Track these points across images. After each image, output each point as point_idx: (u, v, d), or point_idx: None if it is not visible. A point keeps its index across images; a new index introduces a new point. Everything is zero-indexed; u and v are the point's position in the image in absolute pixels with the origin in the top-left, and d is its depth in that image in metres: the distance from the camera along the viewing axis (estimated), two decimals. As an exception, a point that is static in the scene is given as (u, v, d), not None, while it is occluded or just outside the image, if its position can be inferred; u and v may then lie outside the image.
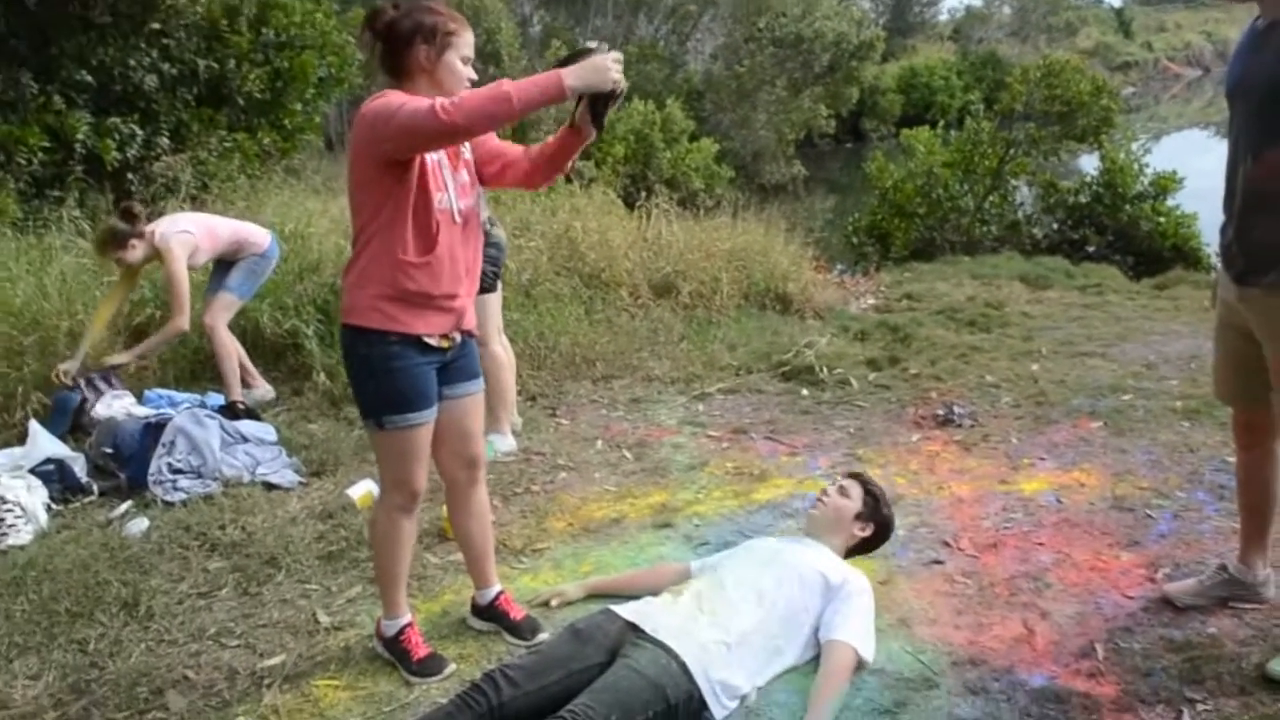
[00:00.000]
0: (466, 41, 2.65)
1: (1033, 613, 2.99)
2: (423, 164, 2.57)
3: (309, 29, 9.61)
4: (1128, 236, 10.41)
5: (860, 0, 33.03)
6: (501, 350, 4.53)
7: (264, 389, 5.29)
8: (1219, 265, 2.79)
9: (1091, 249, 10.51)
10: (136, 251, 4.90)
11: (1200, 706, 2.50)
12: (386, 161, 2.53)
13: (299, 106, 9.81)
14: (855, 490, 3.13)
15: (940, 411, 4.79)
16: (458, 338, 2.77)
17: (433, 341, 2.67)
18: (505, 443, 4.53)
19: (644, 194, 9.23)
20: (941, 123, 13.04)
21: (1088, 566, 3.26)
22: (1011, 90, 11.72)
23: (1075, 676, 2.67)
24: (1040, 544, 3.43)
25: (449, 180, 2.66)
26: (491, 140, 2.83)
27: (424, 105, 2.40)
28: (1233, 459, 3.89)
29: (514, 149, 2.85)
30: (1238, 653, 2.70)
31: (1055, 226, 11.08)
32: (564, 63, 2.48)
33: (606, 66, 2.43)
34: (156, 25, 8.29)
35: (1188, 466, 4.00)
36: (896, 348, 6.05)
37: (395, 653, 2.89)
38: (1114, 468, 4.04)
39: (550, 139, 2.74)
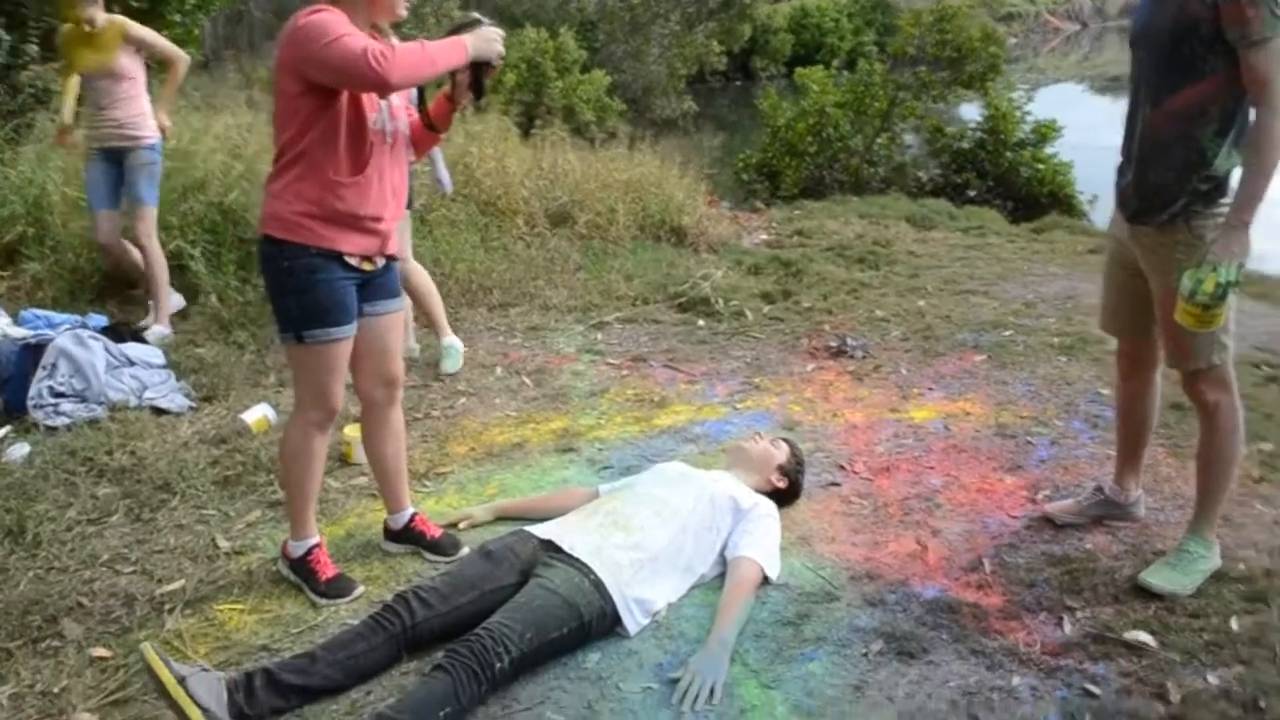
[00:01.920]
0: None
1: (924, 531, 3.14)
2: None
3: (187, -66, 9.12)
4: (1008, 182, 10.77)
5: (754, -63, 32.89)
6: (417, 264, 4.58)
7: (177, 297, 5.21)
8: (1115, 205, 2.91)
9: (973, 193, 10.84)
10: (99, 16, 4.82)
11: (1079, 614, 2.68)
12: (313, 81, 2.46)
13: (178, 19, 9.32)
14: (784, 446, 3.29)
15: (833, 343, 4.92)
16: (380, 261, 2.73)
17: (354, 262, 2.64)
18: (457, 344, 4.66)
19: (538, 123, 9.12)
20: (835, 63, 13.17)
21: (974, 489, 3.42)
22: (904, 33, 11.91)
23: (965, 588, 2.82)
24: (930, 468, 3.58)
25: (382, 101, 2.60)
26: None
27: (357, 48, 2.34)
28: (1105, 391, 4.15)
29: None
30: (1112, 566, 2.89)
31: (940, 170, 11.36)
32: (453, 32, 2.59)
33: (494, 38, 2.61)
34: (22, -78, 7.76)
35: (1064, 397, 4.21)
36: (789, 282, 6.16)
37: (302, 573, 2.86)
38: (997, 398, 4.22)
39: (429, 106, 2.79)
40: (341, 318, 2.65)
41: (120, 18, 4.95)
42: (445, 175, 4.65)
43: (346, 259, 2.62)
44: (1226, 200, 2.56)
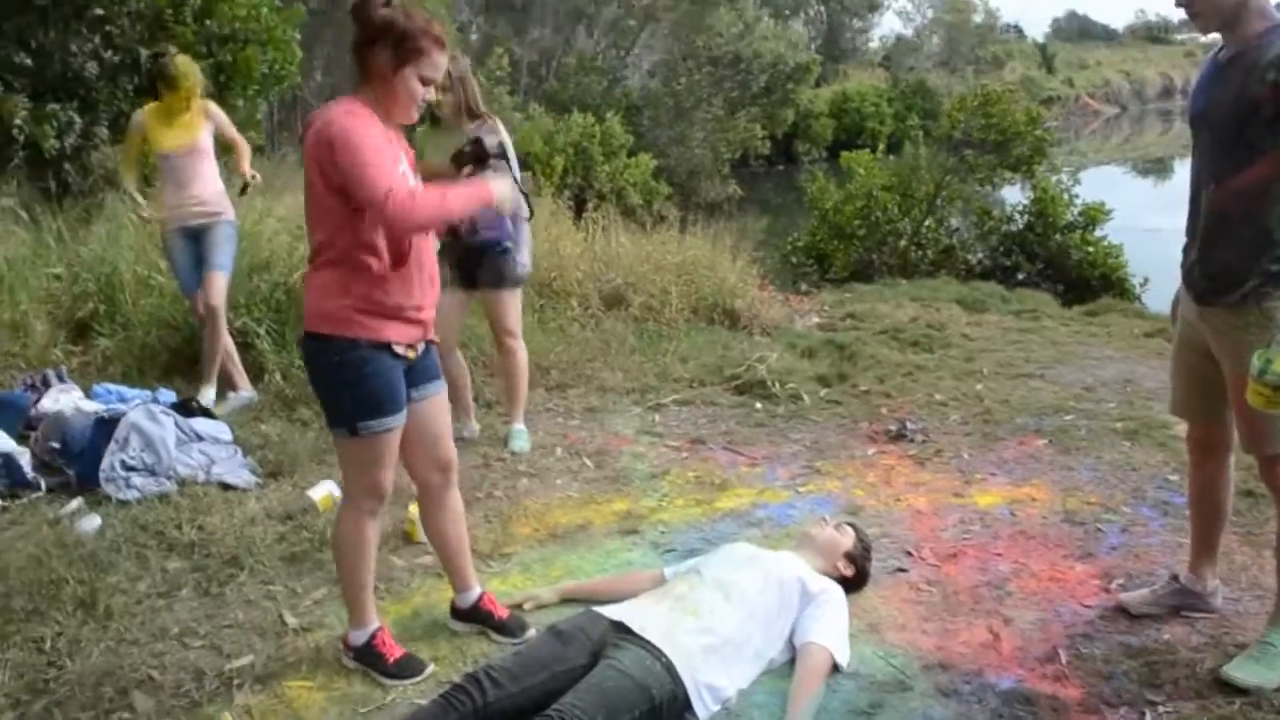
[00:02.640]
0: (434, 62, 2.61)
1: (996, 619, 3.09)
2: None
3: (253, 23, 9.44)
4: (1058, 265, 10.75)
5: (795, 24, 33.58)
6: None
7: (248, 391, 5.26)
8: (1181, 285, 2.91)
9: (1023, 275, 10.83)
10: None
11: (1161, 708, 2.61)
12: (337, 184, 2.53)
13: (240, 103, 9.62)
14: (850, 533, 3.27)
15: (892, 427, 4.90)
16: (422, 347, 2.77)
17: (400, 350, 2.67)
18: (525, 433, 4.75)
19: (589, 206, 9.27)
20: (882, 147, 13.32)
21: (1045, 576, 3.37)
22: (950, 117, 12.03)
23: (1041, 679, 2.76)
24: (998, 554, 3.53)
25: (417, 189, 2.66)
26: None
27: (381, 188, 2.42)
28: (1174, 477, 4.09)
29: None
30: (1192, 658, 2.82)
31: (988, 253, 11.38)
32: (464, 154, 2.94)
33: (507, 189, 2.77)
34: (99, 11, 8.08)
35: (1131, 483, 4.15)
36: (844, 365, 6.16)
37: (369, 659, 2.85)
38: (1062, 483, 4.17)
39: None
40: (394, 407, 2.68)
41: (201, 99, 5.13)
42: (526, 260, 4.72)
43: (394, 348, 2.65)
44: None
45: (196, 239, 5.08)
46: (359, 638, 2.87)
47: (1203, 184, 2.70)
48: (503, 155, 2.93)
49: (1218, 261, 2.67)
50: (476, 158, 2.90)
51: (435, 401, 2.87)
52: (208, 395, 5.03)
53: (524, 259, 4.62)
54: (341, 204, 2.53)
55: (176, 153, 4.99)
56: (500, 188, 2.72)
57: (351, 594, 2.88)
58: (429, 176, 4.33)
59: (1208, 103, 2.69)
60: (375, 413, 2.65)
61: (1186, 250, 2.81)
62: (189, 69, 5.04)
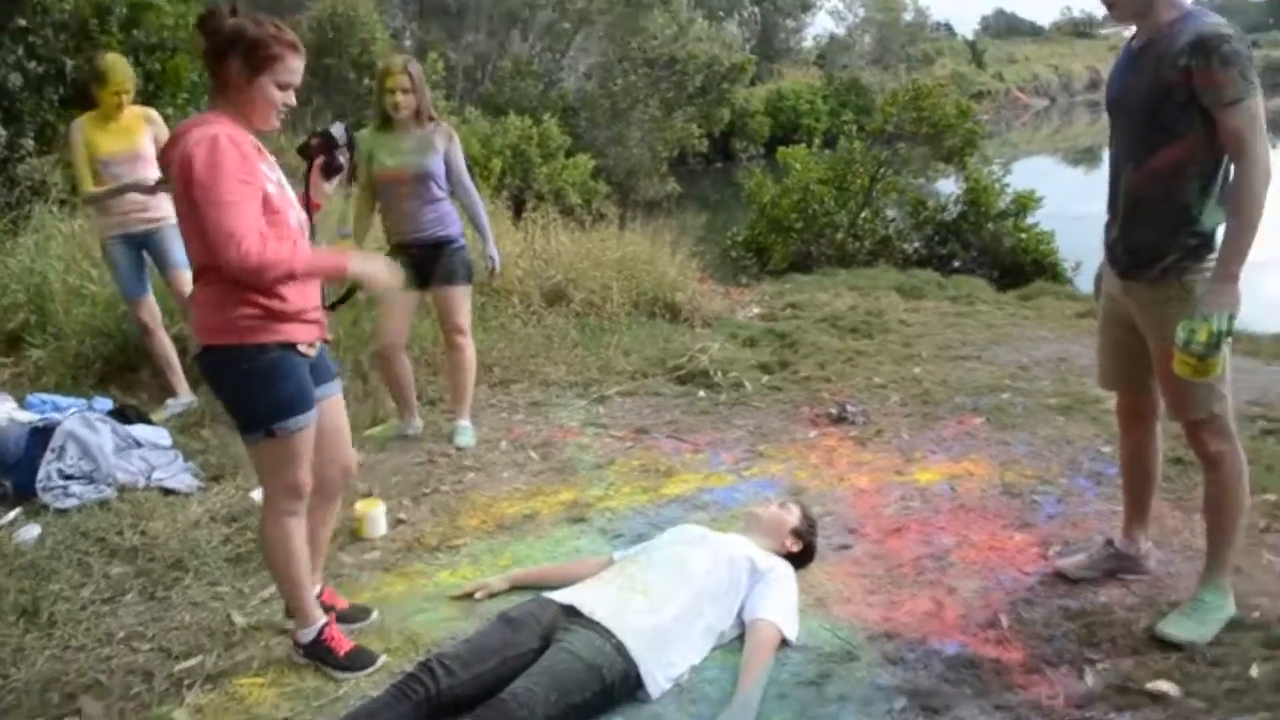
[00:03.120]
0: (291, 67, 2.57)
1: (939, 589, 3.16)
2: (267, 197, 2.55)
3: (182, 32, 9.31)
4: (991, 251, 10.95)
5: (730, 25, 33.79)
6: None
7: (188, 396, 5.20)
8: (1103, 261, 3.01)
9: (959, 263, 11.01)
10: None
11: (1100, 666, 2.70)
12: None
13: (170, 111, 9.47)
14: (795, 510, 3.31)
15: (833, 410, 4.97)
16: (319, 346, 2.79)
17: (304, 350, 2.68)
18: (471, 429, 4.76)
19: (528, 206, 9.26)
20: (817, 142, 13.47)
21: (985, 546, 3.45)
22: (882, 111, 12.20)
23: (984, 644, 2.84)
24: (940, 528, 3.61)
25: (292, 196, 2.69)
26: None
27: (236, 233, 2.40)
28: (1106, 449, 4.21)
29: None
30: (1128, 618, 2.92)
31: (924, 242, 11.55)
32: (311, 147, 2.83)
33: (377, 271, 2.76)
34: (22, 22, 7.93)
35: (1066, 456, 4.26)
36: (785, 353, 6.24)
37: (319, 655, 2.84)
38: (1000, 458, 4.27)
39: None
40: (307, 404, 2.69)
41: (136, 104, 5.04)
42: (495, 252, 4.74)
43: (299, 347, 2.66)
44: (1214, 255, 2.65)
45: (140, 245, 4.99)
46: (306, 635, 2.85)
47: (1122, 166, 2.80)
48: (350, 146, 2.88)
49: (1138, 238, 2.77)
50: (324, 148, 2.85)
51: (335, 401, 2.92)
52: (184, 402, 5.07)
53: (495, 255, 4.68)
54: None
55: (116, 159, 4.85)
56: (371, 267, 2.75)
57: (290, 594, 2.86)
58: (386, 179, 4.36)
59: (1123, 89, 2.79)
60: (290, 411, 2.64)
61: (1109, 228, 2.92)
62: (117, 63, 4.94)
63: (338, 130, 2.84)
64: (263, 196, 2.53)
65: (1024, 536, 3.52)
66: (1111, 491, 3.77)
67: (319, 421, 2.77)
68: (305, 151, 2.85)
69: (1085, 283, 9.65)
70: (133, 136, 4.89)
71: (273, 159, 2.68)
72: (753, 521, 3.30)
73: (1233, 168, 2.60)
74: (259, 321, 2.56)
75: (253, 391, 2.62)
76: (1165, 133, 2.64)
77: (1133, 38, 2.81)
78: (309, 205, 2.83)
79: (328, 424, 2.84)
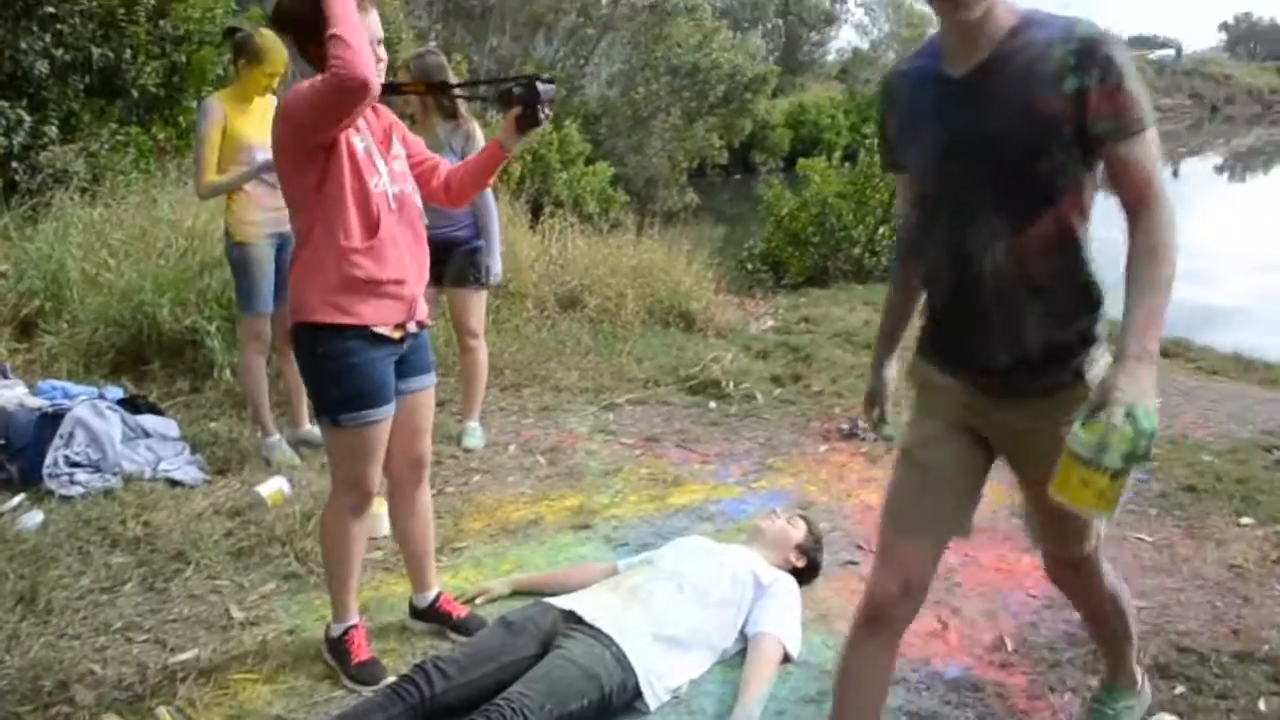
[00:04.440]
0: (368, 21, 2.53)
1: (945, 609, 3.12)
2: (351, 150, 2.54)
3: (208, 24, 9.32)
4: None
5: (753, 36, 33.81)
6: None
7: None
8: (924, 364, 2.21)
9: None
10: None
11: (1104, 694, 2.65)
12: (310, 149, 2.50)
13: (195, 104, 9.50)
14: (802, 525, 3.28)
15: (845, 425, 4.94)
16: (412, 327, 2.70)
17: (385, 332, 2.61)
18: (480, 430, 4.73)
19: (545, 211, 9.26)
20: (838, 156, 13.43)
21: (992, 568, 3.41)
22: (903, 127, 12.16)
23: (989, 667, 2.80)
24: (947, 548, 3.56)
25: (381, 165, 2.63)
26: (416, 146, 2.85)
27: (321, 82, 2.40)
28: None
29: (435, 158, 2.87)
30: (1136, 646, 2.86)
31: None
32: (513, 94, 2.66)
33: None
34: (50, 9, 7.95)
35: (1078, 480, 4.20)
36: (798, 366, 6.20)
37: (336, 654, 2.81)
38: (1010, 479, 4.20)
39: (472, 157, 2.84)
40: (380, 399, 2.63)
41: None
42: (497, 265, 4.63)
43: (377, 332, 2.60)
44: (1102, 333, 2.02)
45: (280, 250, 4.33)
46: (335, 630, 2.84)
47: (970, 249, 1.96)
48: (550, 103, 2.75)
49: (1035, 344, 1.97)
50: (528, 99, 2.72)
51: (422, 396, 2.82)
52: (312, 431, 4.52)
53: (496, 268, 4.60)
54: (310, 178, 2.52)
55: (264, 147, 3.84)
56: None
57: (333, 588, 2.84)
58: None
59: (955, 137, 1.94)
60: (358, 404, 2.59)
61: (964, 343, 2.06)
62: (277, 43, 4.15)
63: (546, 88, 2.70)
64: (349, 151, 2.53)
65: (1032, 559, 3.46)
66: (1121, 518, 3.72)
67: (402, 417, 2.72)
68: (506, 98, 2.74)
69: (1108, 307, 9.60)
70: (269, 125, 4.51)
71: (365, 126, 2.64)
72: (758, 535, 3.26)
73: (1134, 218, 1.85)
74: (331, 296, 2.53)
75: (322, 378, 2.62)
76: (1049, 187, 1.88)
77: (927, 58, 2.03)
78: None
79: (408, 420, 2.78)
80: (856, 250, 11.32)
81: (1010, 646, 2.89)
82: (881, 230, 11.48)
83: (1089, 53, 1.81)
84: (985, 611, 3.11)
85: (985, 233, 1.93)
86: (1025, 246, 1.91)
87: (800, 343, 6.82)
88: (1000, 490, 4.03)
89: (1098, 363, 1.99)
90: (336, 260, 2.54)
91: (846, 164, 13.32)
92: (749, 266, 11.96)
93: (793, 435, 4.91)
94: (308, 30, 2.50)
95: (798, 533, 3.25)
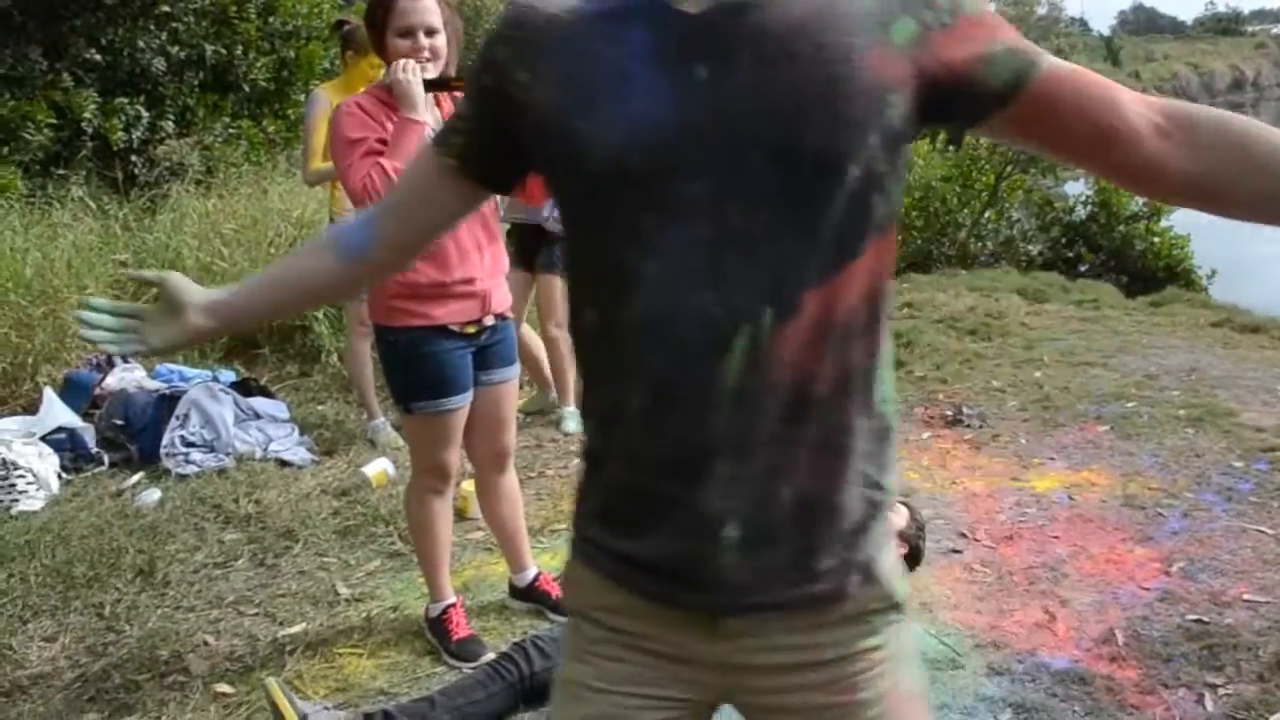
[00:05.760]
0: (401, 10, 2.52)
1: (1052, 600, 3.03)
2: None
3: (315, 19, 9.58)
4: (1121, 255, 10.53)
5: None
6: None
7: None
8: (625, 586, 1.16)
9: (1085, 267, 10.63)
10: None
11: (1221, 690, 2.54)
12: None
13: (303, 97, 9.77)
14: (904, 511, 3.18)
15: (949, 412, 4.83)
16: (489, 321, 2.69)
17: (457, 328, 2.62)
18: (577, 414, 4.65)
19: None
20: (942, 137, 13.15)
21: (1103, 559, 3.30)
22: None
23: (1098, 660, 2.70)
24: (1055, 537, 3.46)
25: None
26: None
27: (356, 180, 2.43)
28: (1238, 464, 3.99)
29: None
30: (1254, 642, 2.74)
31: (1050, 244, 11.18)
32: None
33: (407, 80, 2.48)
34: (166, 8, 8.26)
35: (1194, 469, 4.03)
36: (901, 352, 6.07)
37: (437, 633, 2.86)
38: (1123, 469, 4.07)
39: None
40: (449, 389, 2.63)
41: None
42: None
43: (450, 329, 2.60)
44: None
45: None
46: (434, 610, 2.89)
47: (714, 326, 1.03)
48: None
49: (796, 507, 1.08)
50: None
51: (502, 389, 2.81)
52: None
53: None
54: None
55: None
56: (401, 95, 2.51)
57: (425, 569, 2.90)
58: None
59: (694, 121, 1.02)
60: (427, 394, 2.62)
61: (662, 511, 1.10)
62: None
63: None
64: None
65: (1145, 551, 3.35)
66: (1242, 509, 3.58)
67: (478, 407, 2.73)
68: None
69: (1220, 291, 9.22)
70: None
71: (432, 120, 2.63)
72: None
73: (1147, 136, 1.08)
74: (397, 301, 2.56)
75: (392, 368, 2.69)
76: (859, 218, 1.04)
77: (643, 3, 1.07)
78: None
79: (490, 411, 2.79)
80: (961, 234, 11.08)
81: (1120, 640, 2.79)
82: (988, 214, 11.23)
83: None
84: (1095, 603, 3.00)
85: (736, 299, 1.03)
86: (809, 324, 1.04)
87: (903, 328, 6.67)
88: (1112, 480, 3.93)
89: (886, 552, 1.15)
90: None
91: (950, 147, 13.04)
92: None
93: (896, 421, 4.81)
94: (371, 31, 2.60)
95: (899, 520, 3.18)
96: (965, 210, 11.26)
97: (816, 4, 1.03)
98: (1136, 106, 1.09)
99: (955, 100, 1.07)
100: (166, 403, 4.22)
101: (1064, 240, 11.07)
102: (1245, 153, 1.07)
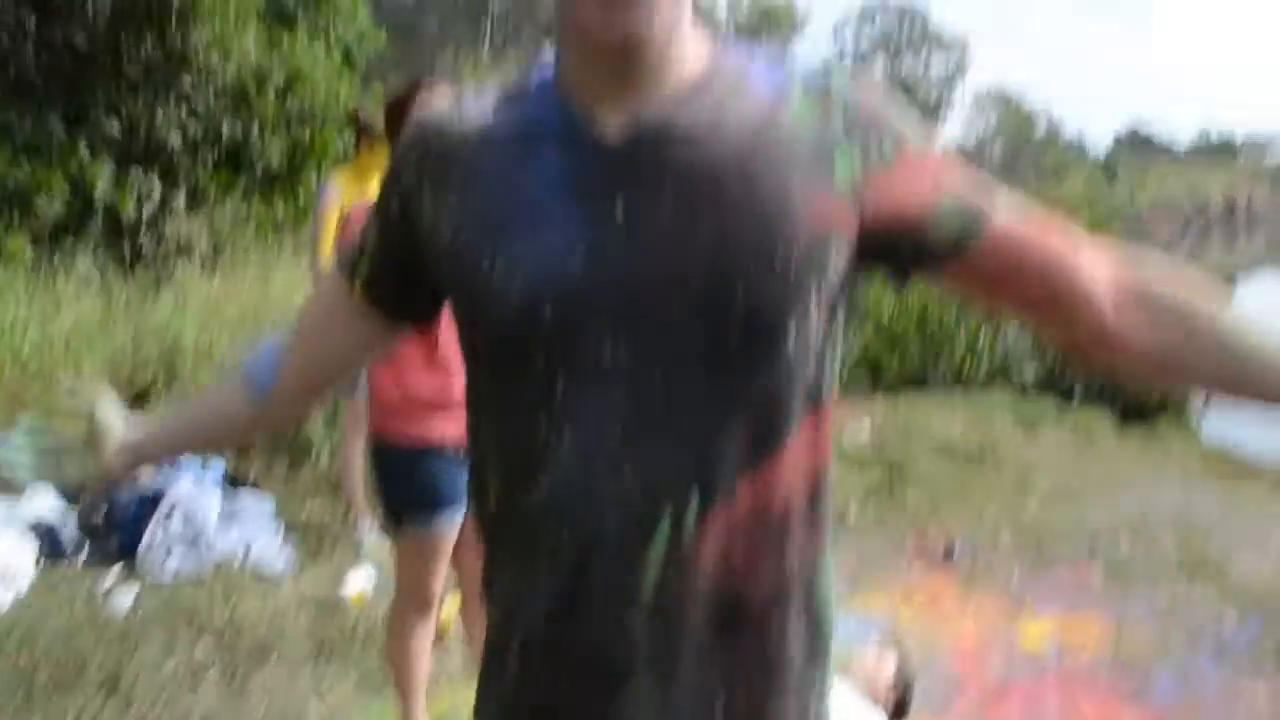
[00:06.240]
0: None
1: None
2: None
3: (333, 103, 9.68)
4: (1115, 383, 10.54)
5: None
6: None
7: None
8: None
9: (1079, 392, 10.62)
10: None
11: None
12: None
13: (314, 176, 9.84)
14: (892, 660, 3.09)
15: (940, 546, 4.79)
16: None
17: (453, 452, 2.51)
18: None
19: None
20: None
21: (1093, 717, 3.24)
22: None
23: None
24: (1046, 696, 3.40)
25: None
26: None
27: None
28: (1232, 622, 3.93)
29: None
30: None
31: (1044, 368, 11.19)
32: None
33: None
34: (188, 80, 8.37)
35: (1187, 626, 3.97)
36: (893, 479, 6.05)
37: None
38: (1115, 618, 4.02)
39: None
40: (439, 507, 2.53)
41: None
42: None
43: (445, 450, 2.49)
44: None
45: None
46: None
47: (633, 513, 0.92)
48: None
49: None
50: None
51: None
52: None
53: None
54: None
55: None
56: None
57: (401, 698, 2.80)
58: None
59: (607, 262, 0.91)
60: (418, 512, 2.54)
61: None
62: None
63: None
64: None
65: (1136, 712, 3.29)
66: (1234, 676, 3.52)
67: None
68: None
69: (1213, 427, 9.21)
70: None
71: None
72: (850, 668, 3.14)
73: (1087, 299, 1.01)
74: (397, 412, 2.49)
75: (384, 481, 2.60)
76: (799, 381, 0.96)
77: (573, 110, 0.95)
78: None
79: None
80: (958, 353, 11.11)
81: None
82: (983, 335, 11.28)
83: (854, 104, 0.96)
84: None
85: (656, 480, 0.92)
86: (742, 515, 0.94)
87: (895, 454, 6.67)
88: (1105, 630, 3.87)
89: None
90: (397, 377, 2.47)
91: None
92: (842, 375, 11.79)
93: (884, 554, 4.76)
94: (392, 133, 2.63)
95: (887, 671, 3.11)
96: (961, 328, 11.31)
97: (750, 130, 0.92)
98: (1096, 272, 1.01)
99: (898, 248, 0.98)
100: (150, 500, 4.15)
101: (1058, 366, 11.08)
102: (1197, 337, 1.01)
